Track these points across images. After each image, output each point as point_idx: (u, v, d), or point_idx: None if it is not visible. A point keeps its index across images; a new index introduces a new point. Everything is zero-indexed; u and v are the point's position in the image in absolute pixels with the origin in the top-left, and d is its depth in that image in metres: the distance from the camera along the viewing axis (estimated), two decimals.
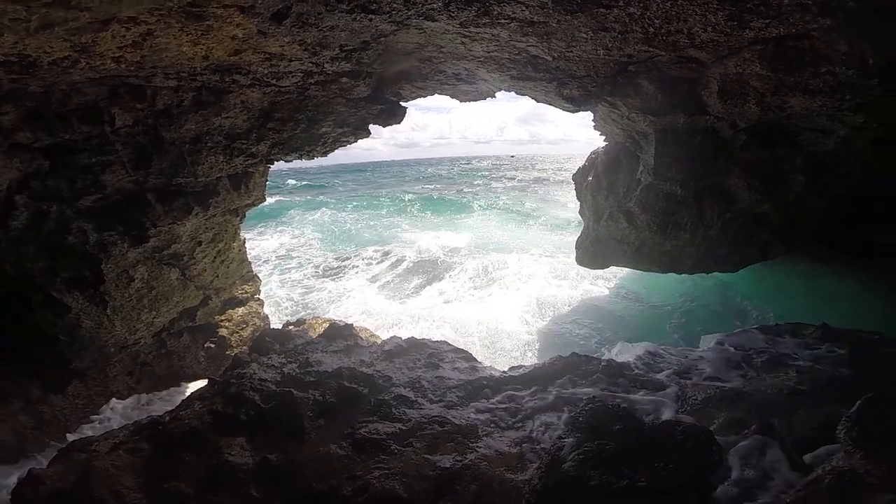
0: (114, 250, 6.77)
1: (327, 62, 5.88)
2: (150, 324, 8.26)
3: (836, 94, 6.21)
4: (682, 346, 8.14)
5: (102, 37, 3.94)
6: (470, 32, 6.06)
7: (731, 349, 7.61)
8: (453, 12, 5.01)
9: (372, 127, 8.73)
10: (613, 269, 12.46)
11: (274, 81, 6.07)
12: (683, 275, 11.24)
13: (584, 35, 5.82)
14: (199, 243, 8.01)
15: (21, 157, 5.55)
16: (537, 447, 5.40)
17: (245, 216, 8.98)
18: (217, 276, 8.95)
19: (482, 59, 7.27)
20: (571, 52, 6.55)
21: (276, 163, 8.16)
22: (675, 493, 3.69)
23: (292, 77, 6.11)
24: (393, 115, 8.40)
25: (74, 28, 3.62)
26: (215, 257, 8.59)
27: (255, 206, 8.72)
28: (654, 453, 3.93)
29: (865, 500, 3.43)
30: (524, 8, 4.88)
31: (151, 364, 9.30)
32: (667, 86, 7.07)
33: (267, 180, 8.77)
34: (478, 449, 5.46)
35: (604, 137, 10.40)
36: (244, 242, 9.69)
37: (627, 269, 13.16)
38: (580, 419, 4.23)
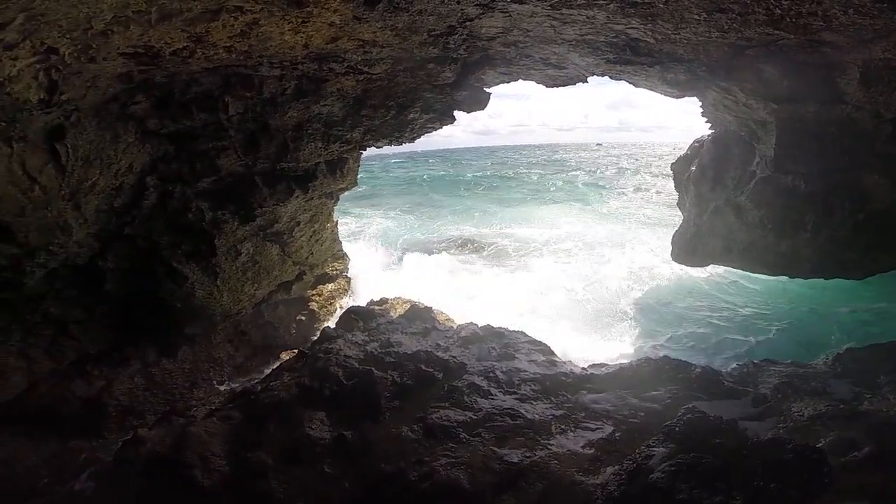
0: (225, 227, 7.49)
1: (416, 47, 5.98)
2: (252, 295, 9.06)
3: None
4: (791, 359, 7.27)
5: (214, 26, 4.34)
6: (561, 15, 5.77)
7: (852, 365, 6.73)
8: None
9: (456, 113, 8.74)
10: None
11: (366, 69, 6.30)
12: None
13: (696, 16, 5.29)
14: (298, 223, 8.62)
15: (151, 142, 6.32)
16: (615, 452, 5.16)
17: (339, 199, 9.50)
18: (312, 254, 9.61)
19: (574, 42, 6.90)
20: (679, 34, 6.00)
21: (367, 149, 8.50)
22: None
23: (383, 64, 6.31)
24: (477, 101, 8.37)
25: (189, 18, 4.02)
26: (311, 236, 9.22)
27: (348, 189, 9.19)
28: (756, 472, 3.60)
29: None
30: None
31: (249, 333, 10.18)
32: (794, 71, 6.27)
33: (359, 166, 9.20)
34: (549, 447, 5.34)
35: (710, 125, 9.52)
36: (337, 223, 10.29)
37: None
38: (677, 429, 3.97)
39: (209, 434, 5.49)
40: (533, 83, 9.26)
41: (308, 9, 4.31)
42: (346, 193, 9.60)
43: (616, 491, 3.95)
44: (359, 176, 9.50)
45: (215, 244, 7.45)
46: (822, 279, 8.85)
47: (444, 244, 19.88)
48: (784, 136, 6.99)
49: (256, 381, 7.28)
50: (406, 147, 9.38)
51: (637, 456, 3.98)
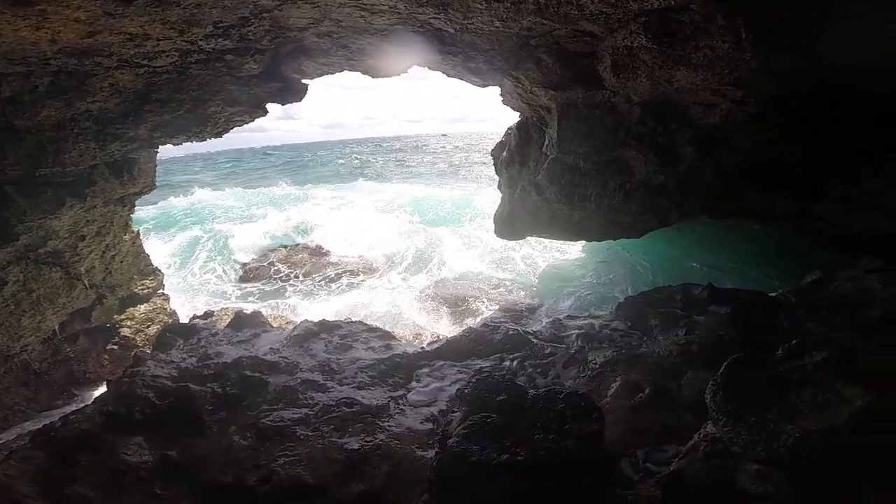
0: None
1: (202, 40, 5.45)
2: (37, 329, 7.61)
3: (716, 67, 6.53)
4: (589, 312, 8.55)
5: None
6: (367, 5, 5.86)
7: (630, 312, 8.00)
8: None
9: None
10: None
11: (146, 62, 5.55)
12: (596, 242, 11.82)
13: (479, 5, 5.79)
14: (82, 238, 7.36)
15: None
16: (445, 422, 5.54)
17: (134, 206, 8.32)
18: (110, 273, 8.32)
19: (386, 32, 7.07)
20: (472, 23, 6.51)
21: (160, 146, 7.56)
22: (555, 466, 3.60)
23: (167, 56, 5.62)
24: (293, 92, 8.00)
25: None
26: (104, 252, 7.96)
27: (143, 194, 8.08)
28: (535, 424, 3.88)
29: (735, 469, 3.38)
30: None
31: (48, 372, 8.67)
32: (565, 60, 7.21)
33: (156, 165, 8.13)
34: (389, 428, 5.50)
35: (518, 113, 10.55)
36: (138, 234, 9.03)
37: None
38: (465, 392, 4.24)
39: (11, 478, 4.75)
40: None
41: (40, 7, 3.63)
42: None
43: (435, 461, 4.17)
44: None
45: None
46: (610, 240, 10.56)
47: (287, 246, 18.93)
48: (563, 120, 8.05)
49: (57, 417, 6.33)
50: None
51: (444, 423, 4.25)
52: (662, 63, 6.70)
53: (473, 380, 4.32)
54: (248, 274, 16.36)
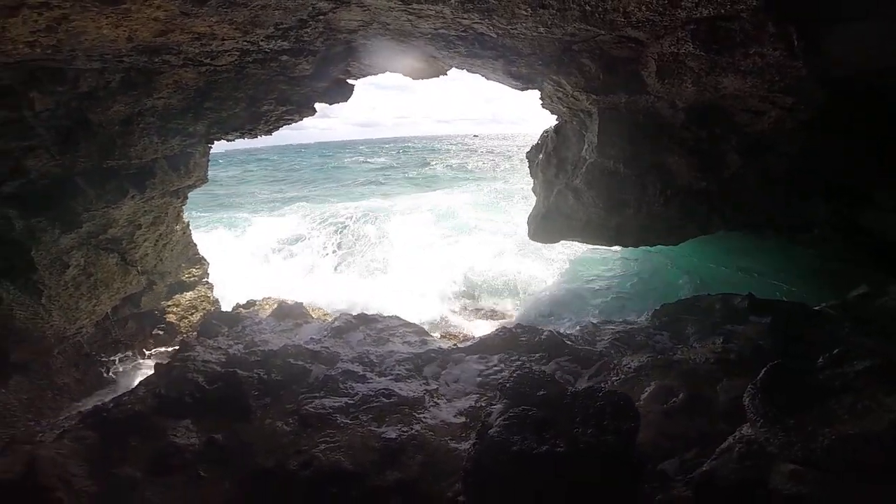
0: (44, 237, 6.48)
1: (262, 41, 5.73)
2: (91, 312, 8.02)
3: (766, 74, 6.45)
4: (622, 318, 8.48)
5: (13, 22, 3.78)
6: (414, 10, 6.02)
7: (666, 319, 7.97)
8: None
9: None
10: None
11: (208, 61, 5.87)
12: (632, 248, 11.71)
13: (524, 11, 5.87)
14: (139, 227, 7.76)
15: None
16: (480, 416, 5.64)
17: (187, 198, 8.74)
18: (161, 261, 8.72)
19: (430, 36, 7.25)
20: (515, 28, 6.60)
21: (216, 142, 7.93)
22: (593, 459, 3.73)
23: (228, 56, 5.94)
24: (340, 93, 8.29)
25: None
26: (157, 241, 8.36)
27: (196, 186, 8.48)
28: (575, 419, 4.00)
29: (769, 469, 3.45)
30: None
31: (98, 354, 9.10)
32: (608, 65, 7.20)
33: (209, 160, 8.53)
34: (424, 420, 5.65)
35: (556, 116, 10.57)
36: (188, 224, 9.46)
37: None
38: (507, 385, 4.36)
39: (63, 456, 4.99)
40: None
41: (125, 5, 3.93)
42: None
43: (472, 451, 4.30)
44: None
45: (33, 257, 6.45)
46: (646, 246, 10.45)
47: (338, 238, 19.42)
48: (604, 125, 8.04)
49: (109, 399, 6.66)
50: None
51: (483, 416, 4.36)
52: (710, 70, 6.64)
53: (515, 374, 4.43)
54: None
